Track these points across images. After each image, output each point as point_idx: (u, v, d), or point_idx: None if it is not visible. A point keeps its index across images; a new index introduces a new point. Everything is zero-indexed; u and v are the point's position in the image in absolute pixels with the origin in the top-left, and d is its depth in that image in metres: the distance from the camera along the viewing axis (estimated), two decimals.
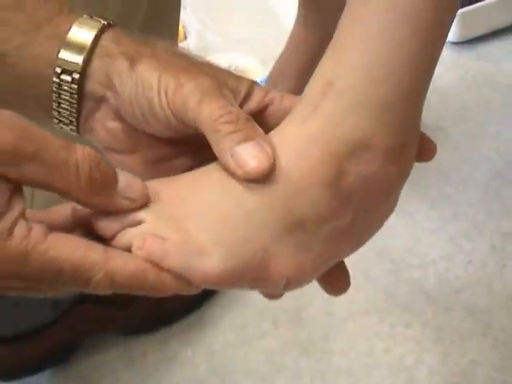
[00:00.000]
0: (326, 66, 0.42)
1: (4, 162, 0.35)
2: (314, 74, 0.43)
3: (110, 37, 0.44)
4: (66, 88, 0.44)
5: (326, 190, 0.40)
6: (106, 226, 0.40)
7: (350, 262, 0.45)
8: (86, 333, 0.93)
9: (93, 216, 0.41)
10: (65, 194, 0.38)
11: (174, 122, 0.43)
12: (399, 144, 0.41)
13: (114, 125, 0.46)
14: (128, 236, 0.40)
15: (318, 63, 0.43)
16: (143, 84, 0.42)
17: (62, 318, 0.89)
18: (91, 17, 0.45)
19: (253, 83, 0.45)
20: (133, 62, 0.43)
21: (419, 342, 0.94)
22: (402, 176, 0.43)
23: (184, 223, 0.40)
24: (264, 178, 0.40)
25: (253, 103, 0.44)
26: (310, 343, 0.95)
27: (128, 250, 0.39)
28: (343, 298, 0.45)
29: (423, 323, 0.97)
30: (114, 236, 0.40)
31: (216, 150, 0.41)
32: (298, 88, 1.07)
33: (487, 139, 1.18)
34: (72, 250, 0.37)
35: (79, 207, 0.41)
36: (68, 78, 0.44)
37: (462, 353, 0.94)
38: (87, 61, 0.44)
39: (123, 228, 0.40)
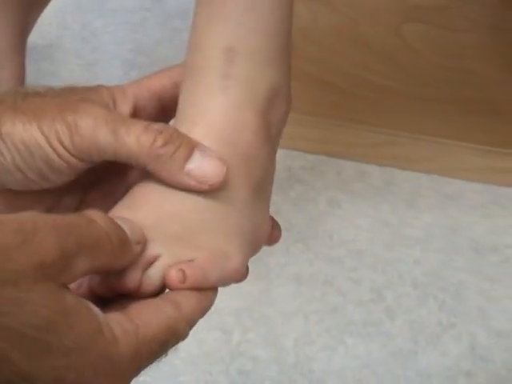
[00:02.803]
0: (218, 34, 0.42)
1: (57, 271, 0.31)
2: (198, 47, 0.42)
3: None
4: None
5: (265, 147, 0.42)
6: (129, 280, 0.37)
7: None
8: None
9: (106, 280, 0.37)
10: (105, 268, 0.35)
11: (76, 165, 0.39)
12: (289, 85, 0.44)
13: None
14: (154, 277, 0.38)
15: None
16: (25, 145, 0.38)
17: None
18: None
19: (110, 89, 0.42)
20: None
21: None
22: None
23: (192, 238, 0.39)
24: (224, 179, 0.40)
25: (129, 103, 0.42)
26: None
27: (160, 289, 0.38)
28: None
29: None
30: (139, 285, 0.38)
31: (164, 175, 0.39)
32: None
33: None
34: (155, 317, 0.35)
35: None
36: None
37: None
38: None
39: (143, 272, 0.38)
